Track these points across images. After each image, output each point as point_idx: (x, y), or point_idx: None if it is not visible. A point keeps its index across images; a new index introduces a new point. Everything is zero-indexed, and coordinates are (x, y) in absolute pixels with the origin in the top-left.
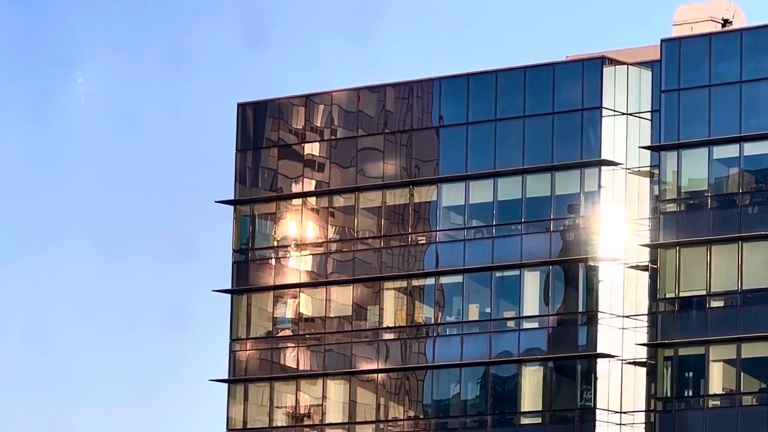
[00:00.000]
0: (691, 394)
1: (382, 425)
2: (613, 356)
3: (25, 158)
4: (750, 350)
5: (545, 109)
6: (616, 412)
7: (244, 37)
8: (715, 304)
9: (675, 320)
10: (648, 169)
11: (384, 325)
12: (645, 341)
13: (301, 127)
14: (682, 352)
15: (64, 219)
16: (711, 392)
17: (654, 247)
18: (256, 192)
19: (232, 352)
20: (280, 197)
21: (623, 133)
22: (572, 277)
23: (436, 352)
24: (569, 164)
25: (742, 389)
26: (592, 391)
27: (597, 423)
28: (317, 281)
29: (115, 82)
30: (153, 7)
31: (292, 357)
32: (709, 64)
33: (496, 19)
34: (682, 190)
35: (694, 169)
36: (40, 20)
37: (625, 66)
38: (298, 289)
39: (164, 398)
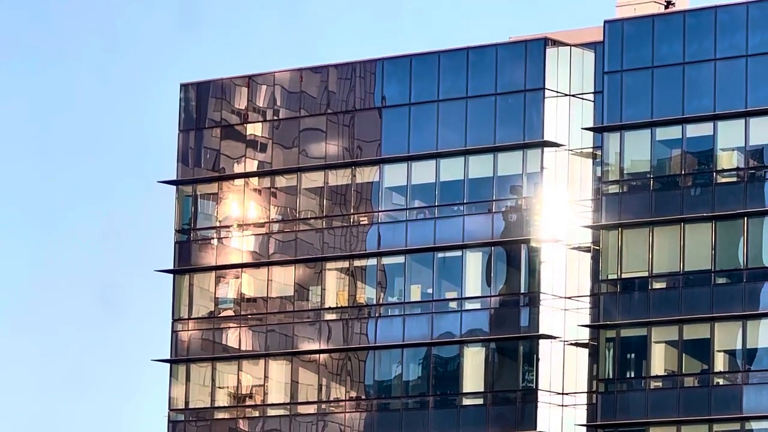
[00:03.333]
0: (633, 375)
1: (324, 406)
2: (555, 337)
3: None
4: (692, 332)
5: (488, 90)
6: (558, 394)
7: (177, 16)
8: (657, 285)
9: (617, 301)
10: (590, 150)
11: (326, 306)
12: (587, 322)
13: (243, 108)
14: (624, 333)
15: (6, 198)
16: (653, 373)
17: (596, 229)
18: (198, 172)
19: (174, 332)
20: (222, 177)
21: (566, 114)
22: (514, 259)
23: (378, 333)
24: (511, 145)
25: (683, 370)
26: (534, 373)
27: (539, 404)
28: (259, 261)
29: (54, 64)
30: None
31: (234, 337)
32: (651, 45)
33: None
34: (625, 172)
35: (637, 151)
36: None
37: (568, 47)
38: (240, 269)
39: (106, 378)
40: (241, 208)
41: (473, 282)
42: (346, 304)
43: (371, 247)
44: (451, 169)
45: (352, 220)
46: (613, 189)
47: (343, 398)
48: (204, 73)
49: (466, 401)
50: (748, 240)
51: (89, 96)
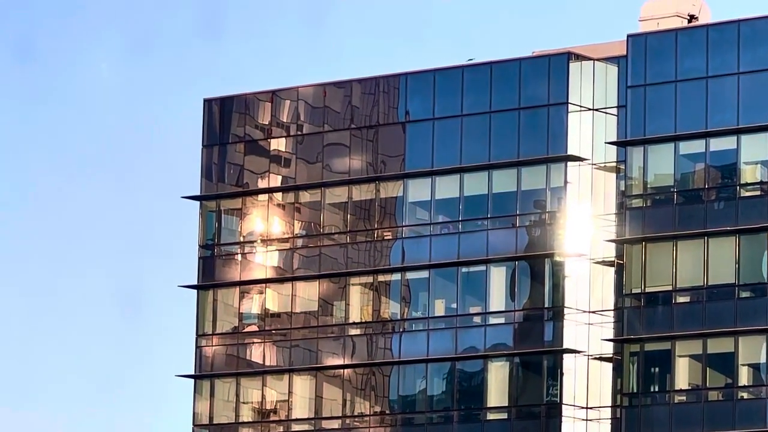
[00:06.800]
0: (657, 389)
1: (348, 421)
2: (579, 352)
3: None
4: (715, 346)
5: (511, 105)
6: (582, 408)
7: (200, 31)
8: (680, 299)
9: (641, 316)
10: (614, 164)
11: (350, 321)
12: (611, 337)
13: (267, 123)
14: (648, 347)
15: (30, 215)
16: (677, 387)
17: (620, 243)
18: (222, 187)
19: (198, 348)
20: (246, 193)
21: (589, 128)
22: (538, 273)
23: (402, 348)
24: (535, 159)
25: (707, 384)
26: (558, 387)
27: (563, 418)
28: (283, 277)
29: (77, 78)
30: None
31: (258, 352)
32: (675, 59)
33: (462, 14)
34: (648, 186)
35: (660, 165)
36: None
37: (591, 61)
38: (264, 285)
39: (130, 394)
40: (265, 224)
41: (497, 296)
42: (371, 319)
43: (395, 261)
44: (475, 184)
45: (376, 235)
46: (637, 203)
47: (368, 413)
48: (227, 88)
49: (491, 416)
50: None
51: (113, 111)
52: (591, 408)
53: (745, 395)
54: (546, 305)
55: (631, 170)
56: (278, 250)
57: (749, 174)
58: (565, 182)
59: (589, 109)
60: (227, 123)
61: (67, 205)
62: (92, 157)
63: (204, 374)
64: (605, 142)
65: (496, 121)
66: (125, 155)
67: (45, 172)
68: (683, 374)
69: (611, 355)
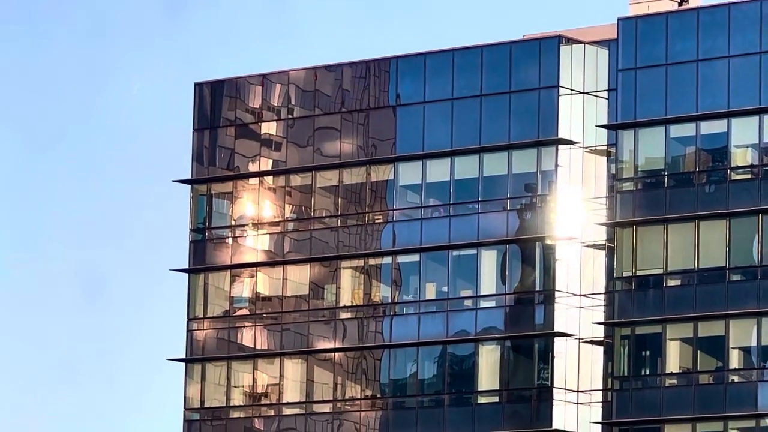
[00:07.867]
0: (648, 372)
1: (339, 404)
2: (570, 335)
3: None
4: (706, 329)
5: (502, 88)
6: (574, 391)
7: (192, 16)
8: (671, 282)
9: (632, 299)
10: (605, 147)
11: (341, 304)
12: (602, 320)
13: (258, 107)
14: (639, 330)
15: (24, 203)
16: (668, 371)
17: (611, 226)
18: (213, 171)
19: (189, 332)
20: (237, 176)
21: (580, 111)
22: (529, 256)
23: (393, 331)
24: (526, 143)
25: (698, 368)
26: (550, 370)
27: (554, 402)
28: (274, 260)
29: (67, 63)
30: None
31: (250, 336)
32: (665, 42)
33: None
34: (639, 169)
35: (651, 148)
36: None
37: (582, 45)
38: (255, 268)
39: (121, 378)
40: (256, 207)
41: (488, 280)
42: (361, 303)
43: (386, 245)
44: (466, 167)
45: (366, 218)
46: (628, 186)
47: (359, 397)
48: (218, 71)
49: (482, 399)
50: (763, 237)
51: (104, 96)
52: (582, 391)
53: (736, 378)
54: (537, 289)
55: (622, 153)
56: (269, 233)
57: (740, 157)
58: (556, 166)
59: (580, 93)
60: (218, 107)
61: (58, 188)
62: (83, 142)
63: (195, 358)
64: (596, 126)
65: (487, 104)
66: (116, 140)
67: (36, 158)
68: (674, 358)
69: (602, 339)
